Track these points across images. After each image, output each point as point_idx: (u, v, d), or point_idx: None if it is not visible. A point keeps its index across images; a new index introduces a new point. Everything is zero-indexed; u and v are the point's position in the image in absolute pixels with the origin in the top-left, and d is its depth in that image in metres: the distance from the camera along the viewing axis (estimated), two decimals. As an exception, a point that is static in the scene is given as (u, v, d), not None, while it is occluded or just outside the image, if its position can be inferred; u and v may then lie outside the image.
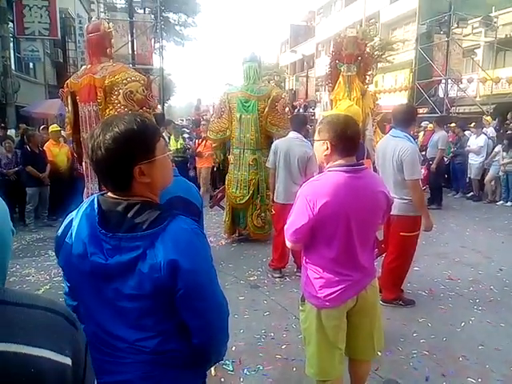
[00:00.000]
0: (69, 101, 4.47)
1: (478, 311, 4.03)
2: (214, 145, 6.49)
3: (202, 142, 9.05)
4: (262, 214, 5.97)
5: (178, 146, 8.82)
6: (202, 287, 1.22)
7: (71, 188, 7.06)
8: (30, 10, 12.05)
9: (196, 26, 24.36)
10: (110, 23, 4.66)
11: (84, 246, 1.21)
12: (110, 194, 1.28)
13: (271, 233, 6.12)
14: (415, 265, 4.43)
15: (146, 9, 17.85)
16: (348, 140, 2.12)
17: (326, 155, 2.13)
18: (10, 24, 11.93)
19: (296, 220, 2.08)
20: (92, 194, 4.44)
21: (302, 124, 4.98)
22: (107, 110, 3.93)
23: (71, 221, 1.29)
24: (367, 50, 6.38)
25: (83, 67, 4.67)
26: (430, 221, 3.84)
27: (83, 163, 4.64)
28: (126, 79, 3.93)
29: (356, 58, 6.14)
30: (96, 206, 1.24)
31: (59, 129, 7.67)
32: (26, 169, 6.90)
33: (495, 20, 16.91)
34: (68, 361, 0.69)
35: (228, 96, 6.06)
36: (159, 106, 13.50)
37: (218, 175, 9.58)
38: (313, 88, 30.28)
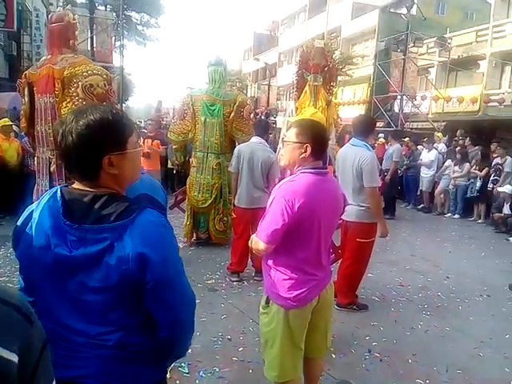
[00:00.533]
0: (26, 92, 4.25)
1: (426, 316, 4.21)
2: (174, 146, 6.39)
3: (145, 141, 8.42)
4: (225, 219, 5.96)
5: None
6: (171, 279, 1.22)
7: (20, 185, 6.74)
8: (-17, -2, 11.45)
9: (159, 27, 24.01)
10: (75, 15, 4.49)
11: (47, 238, 1.17)
12: (74, 185, 1.24)
13: (231, 237, 6.15)
14: (369, 271, 4.56)
15: (108, 6, 17.47)
16: (324, 144, 2.24)
17: (302, 158, 2.15)
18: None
19: (274, 221, 2.06)
20: (42, 191, 4.20)
21: (265, 130, 5.05)
22: (64, 103, 3.78)
23: (31, 212, 1.24)
24: (333, 61, 6.52)
25: (43, 58, 4.48)
26: (386, 227, 3.99)
27: (35, 158, 4.43)
28: (86, 71, 3.78)
29: (323, 69, 6.26)
30: (59, 197, 1.20)
31: (10, 123, 7.31)
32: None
33: (449, 41, 17.84)
34: (14, 357, 0.63)
35: (192, 98, 5.99)
36: (117, 106, 13.25)
37: (177, 177, 9.47)
38: (274, 96, 30.66)
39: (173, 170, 9.15)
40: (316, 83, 6.23)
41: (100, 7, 17.13)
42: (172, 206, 6.78)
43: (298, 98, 6.47)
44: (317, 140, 2.16)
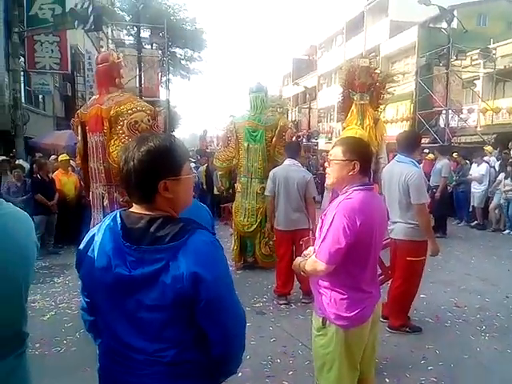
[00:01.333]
0: (79, 131, 4.50)
1: (485, 338, 4.00)
2: (220, 172, 6.60)
3: None
4: (270, 242, 5.98)
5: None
6: (222, 297, 1.28)
7: (78, 217, 7.14)
8: (41, 45, 12.47)
9: (202, 61, 25.01)
10: (120, 53, 4.75)
11: (108, 259, 1.26)
12: (132, 209, 1.35)
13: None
14: (421, 292, 4.41)
15: (154, 44, 18.51)
16: (370, 160, 2.30)
17: (351, 175, 2.15)
18: (22, 58, 12.34)
19: (336, 240, 2.04)
20: (97, 224, 4.38)
21: (297, 151, 5.04)
22: (112, 141, 3.95)
23: (93, 236, 1.35)
24: (379, 79, 6.50)
25: (93, 97, 4.75)
26: (437, 245, 3.86)
27: (90, 193, 4.63)
28: (131, 109, 3.95)
29: (369, 87, 6.27)
30: (119, 220, 1.31)
31: (68, 158, 7.83)
32: (35, 196, 7.01)
33: (494, 52, 17.30)
34: None
35: (235, 125, 6.21)
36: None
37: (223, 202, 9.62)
38: (315, 119, 30.78)
39: (218, 195, 9.35)
40: (363, 102, 6.23)
41: (147, 46, 18.16)
42: (223, 218, 6.89)
43: (345, 118, 6.48)
44: (364, 157, 2.19)
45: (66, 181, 7.68)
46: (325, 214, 2.21)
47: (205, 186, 10.00)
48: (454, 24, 17.50)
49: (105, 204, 4.27)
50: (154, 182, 1.27)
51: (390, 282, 4.14)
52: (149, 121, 3.95)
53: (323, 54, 36.09)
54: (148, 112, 3.99)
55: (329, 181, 2.28)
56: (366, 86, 6.24)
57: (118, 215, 1.33)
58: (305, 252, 2.35)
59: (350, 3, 30.60)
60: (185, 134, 67.34)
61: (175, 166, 1.31)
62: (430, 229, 3.95)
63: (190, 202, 1.42)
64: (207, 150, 14.49)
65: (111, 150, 3.97)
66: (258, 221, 5.97)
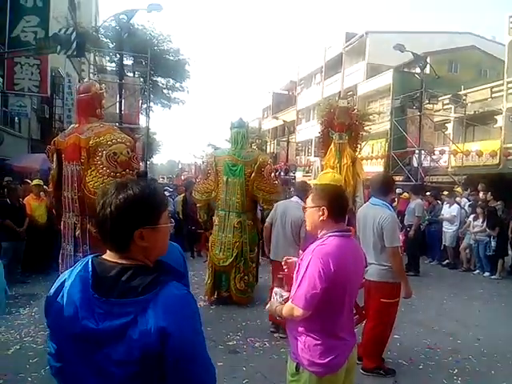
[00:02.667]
0: (54, 158, 4.41)
1: (457, 382, 4.00)
2: (198, 205, 6.55)
3: None
4: (245, 278, 5.97)
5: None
6: (191, 355, 1.21)
7: (47, 244, 6.92)
8: (21, 67, 12.30)
9: (184, 91, 25.23)
10: (103, 84, 4.74)
11: (75, 309, 1.21)
12: (105, 256, 1.30)
13: (252, 296, 6.11)
14: (395, 332, 4.41)
15: (136, 72, 18.65)
16: (342, 205, 2.29)
17: (321, 220, 2.21)
18: (0, 79, 12.18)
19: (312, 285, 2.04)
20: (67, 256, 4.20)
21: (305, 191, 4.86)
22: (89, 171, 3.89)
23: (63, 282, 1.29)
24: (358, 119, 6.70)
25: (71, 126, 4.67)
26: (410, 288, 3.90)
27: (62, 222, 4.47)
28: (111, 140, 3.90)
29: (347, 127, 6.43)
30: (90, 268, 1.26)
31: (42, 183, 7.65)
32: (3, 222, 6.76)
33: (464, 97, 18.16)
34: None
35: (215, 159, 6.24)
36: (141, 164, 13.74)
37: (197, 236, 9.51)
38: (293, 152, 31.30)
39: (195, 226, 9.24)
40: (341, 141, 6.37)
41: (129, 73, 18.28)
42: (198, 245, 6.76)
43: (324, 155, 6.60)
44: (333, 202, 2.21)
45: (37, 206, 7.47)
46: (301, 259, 2.22)
47: (181, 216, 9.89)
48: (427, 70, 18.36)
49: (76, 234, 4.16)
50: (131, 230, 1.24)
51: (364, 322, 4.14)
52: (128, 153, 3.91)
53: (302, 90, 37.12)
54: (127, 144, 3.95)
55: (307, 227, 2.37)
56: (344, 126, 6.41)
57: (90, 262, 1.28)
58: (282, 293, 2.33)
59: (330, 44, 31.88)
60: (163, 160, 67.18)
61: (153, 214, 1.29)
62: (403, 271, 4.00)
63: (165, 251, 1.38)
64: (182, 180, 14.54)
65: (87, 180, 3.90)
66: (234, 255, 5.91)
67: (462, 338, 5.14)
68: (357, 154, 6.75)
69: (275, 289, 2.38)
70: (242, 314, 5.53)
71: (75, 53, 10.45)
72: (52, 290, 1.31)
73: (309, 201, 2.30)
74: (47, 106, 16.64)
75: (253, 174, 5.99)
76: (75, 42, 10.00)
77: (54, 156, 4.42)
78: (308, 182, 5.12)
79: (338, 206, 2.25)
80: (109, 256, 1.29)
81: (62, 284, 1.29)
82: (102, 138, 3.92)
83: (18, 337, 4.67)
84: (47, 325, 1.34)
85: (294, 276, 2.23)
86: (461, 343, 5.00)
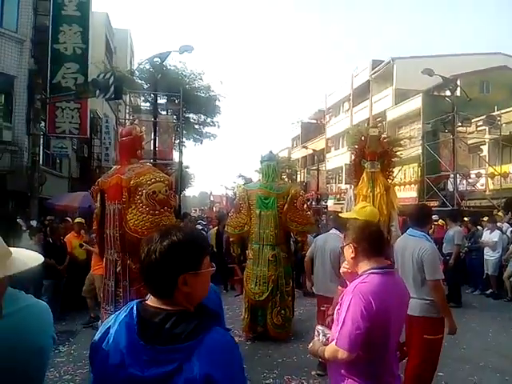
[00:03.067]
0: (98, 198, 4.63)
1: (510, 424, 3.76)
2: (231, 239, 6.61)
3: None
4: (282, 312, 5.90)
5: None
6: None
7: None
8: (62, 111, 13.10)
9: (214, 126, 25.90)
10: (143, 127, 4.99)
11: (122, 356, 1.23)
12: (149, 301, 1.34)
13: (289, 331, 6.03)
14: (439, 369, 4.21)
15: (169, 110, 19.38)
16: (373, 240, 2.21)
17: (352, 257, 2.20)
18: (42, 122, 12.90)
19: (355, 325, 1.98)
20: (108, 291, 4.34)
21: (343, 224, 4.93)
22: (130, 209, 4.04)
23: (108, 328, 1.33)
24: (390, 147, 6.60)
25: (114, 167, 4.92)
26: (454, 322, 3.75)
27: (104, 259, 4.68)
28: (150, 180, 4.07)
29: (379, 156, 6.37)
30: (135, 314, 1.29)
31: (83, 221, 7.93)
32: (45, 260, 7.01)
33: (498, 118, 17.73)
34: None
35: (248, 193, 6.32)
36: (176, 202, 14.10)
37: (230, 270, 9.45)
38: (323, 180, 31.17)
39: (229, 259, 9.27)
40: (373, 170, 6.29)
41: (162, 112, 19.03)
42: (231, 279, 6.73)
43: (356, 184, 6.54)
44: (361, 238, 2.17)
45: (77, 243, 7.72)
46: (341, 298, 2.18)
47: (215, 249, 9.96)
48: (458, 92, 18.14)
49: (117, 270, 4.29)
50: (174, 276, 1.28)
51: (405, 360, 3.98)
52: (166, 191, 4.07)
53: (331, 118, 37.32)
54: (166, 183, 4.13)
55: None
56: (376, 154, 6.32)
57: (135, 308, 1.32)
58: (325, 331, 2.26)
59: (357, 72, 32.14)
60: (195, 191, 68.36)
61: (196, 260, 1.32)
62: (446, 305, 3.85)
63: (206, 295, 1.40)
64: (214, 212, 14.73)
65: (128, 219, 4.05)
66: (270, 289, 5.87)
67: (511, 375, 4.85)
68: (390, 182, 6.65)
69: (318, 326, 2.32)
70: (278, 351, 5.43)
71: (113, 96, 11.01)
72: (97, 337, 1.35)
73: (344, 239, 2.32)
74: (86, 145, 17.47)
75: (286, 206, 6.00)
76: (113, 86, 10.55)
77: (98, 196, 4.64)
78: (340, 214, 5.06)
79: (369, 242, 2.18)
80: (152, 302, 1.32)
81: (107, 330, 1.32)
82: (141, 178, 4.09)
83: (57, 375, 4.75)
84: (91, 372, 1.37)
85: (335, 316, 2.20)
86: (509, 380, 4.72)
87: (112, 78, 10.65)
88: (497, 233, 9.47)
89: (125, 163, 4.50)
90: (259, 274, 5.94)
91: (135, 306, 1.32)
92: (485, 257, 9.49)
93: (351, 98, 32.67)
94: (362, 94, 30.86)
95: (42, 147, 13.15)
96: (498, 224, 10.07)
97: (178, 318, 1.26)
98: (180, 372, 1.18)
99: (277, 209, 6.03)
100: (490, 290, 9.47)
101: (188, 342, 1.21)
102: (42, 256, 0.73)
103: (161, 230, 1.37)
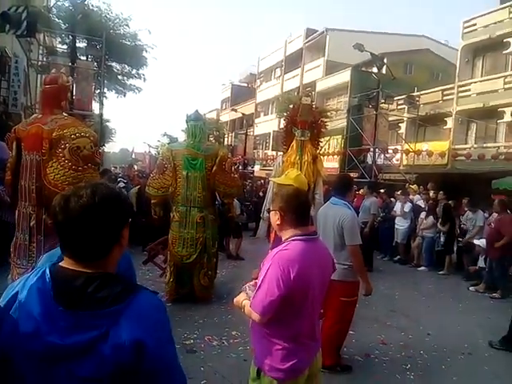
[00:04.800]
0: (14, 146, 4.25)
1: (410, 377, 4.13)
2: (153, 201, 6.25)
3: None
4: (209, 273, 5.86)
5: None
6: (167, 365, 1.16)
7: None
8: (-36, 45, 11.49)
9: (140, 78, 24.27)
10: (69, 77, 4.58)
11: (36, 324, 1.09)
12: (63, 264, 1.17)
13: (214, 292, 6.06)
14: (350, 328, 4.48)
15: (89, 56, 17.77)
16: (300, 209, 2.22)
17: (278, 224, 2.20)
18: None
19: (270, 292, 2.02)
20: (20, 245, 4.03)
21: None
22: (50, 162, 3.80)
23: (15, 294, 1.16)
24: (320, 117, 6.69)
25: (34, 115, 4.51)
26: (370, 285, 3.96)
27: (16, 211, 4.30)
28: (74, 134, 3.83)
29: (310, 125, 6.42)
30: (48, 278, 1.14)
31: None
32: None
33: (417, 99, 18.85)
34: None
35: (173, 153, 5.97)
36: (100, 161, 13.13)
37: (151, 231, 9.17)
38: (251, 146, 31.24)
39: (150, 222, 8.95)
40: (303, 138, 6.35)
41: (82, 57, 17.38)
42: (146, 260, 6.57)
43: (286, 151, 6.58)
44: (290, 206, 2.18)
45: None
46: (263, 263, 2.18)
47: (135, 209, 9.55)
48: (384, 70, 18.87)
49: (31, 224, 4.01)
50: (116, 232, 1.19)
51: (322, 321, 4.16)
52: (91, 147, 3.85)
53: (262, 83, 37.11)
54: (91, 139, 3.90)
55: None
56: (307, 123, 6.41)
57: (48, 272, 1.15)
58: (252, 288, 2.24)
59: (291, 38, 32.06)
60: (115, 148, 65.08)
61: (129, 215, 1.25)
62: (363, 268, 4.06)
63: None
64: (135, 170, 14.17)
65: (48, 172, 3.81)
66: (198, 251, 5.76)
67: (414, 333, 5.34)
68: (318, 151, 6.78)
69: (247, 284, 2.32)
70: (199, 312, 5.42)
71: (25, 33, 9.87)
72: (2, 303, 1.17)
73: (272, 203, 2.31)
74: (-9, 87, 15.57)
75: (214, 168, 5.84)
76: (25, 22, 9.42)
77: (14, 144, 4.25)
78: (273, 179, 4.98)
79: (295, 210, 2.19)
80: (68, 264, 1.16)
81: (14, 297, 1.16)
82: (65, 131, 3.83)
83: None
84: None
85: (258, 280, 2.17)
86: (412, 338, 5.18)
87: (25, 12, 9.48)
88: (408, 205, 10.19)
89: (47, 113, 4.14)
90: (186, 237, 5.78)
91: (47, 270, 1.16)
92: (396, 226, 10.23)
93: (283, 64, 32.67)
94: (294, 61, 30.96)
95: None
96: (410, 197, 10.84)
97: (101, 281, 1.13)
98: (106, 338, 1.08)
99: (205, 170, 5.84)
100: (398, 257, 10.27)
101: (115, 306, 1.09)
102: None
103: (87, 184, 1.20)
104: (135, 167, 21.60)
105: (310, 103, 6.62)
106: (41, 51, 19.56)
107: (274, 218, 2.23)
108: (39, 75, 16.64)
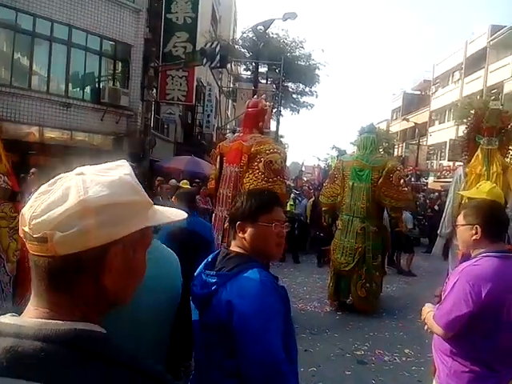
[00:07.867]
0: (217, 160, 5.15)
1: None
2: (324, 208, 6.68)
3: None
4: (367, 285, 5.92)
5: (288, 208, 9.17)
6: (253, 333, 1.30)
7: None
8: (172, 79, 13.97)
9: (312, 95, 25.44)
10: (267, 102, 5.35)
11: (195, 281, 1.53)
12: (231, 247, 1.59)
13: (376, 306, 6.07)
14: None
15: (269, 79, 19.50)
16: (499, 224, 2.10)
17: (474, 240, 2.05)
18: (154, 90, 13.87)
19: (457, 307, 1.93)
20: (217, 244, 4.95)
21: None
22: (247, 174, 4.49)
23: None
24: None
25: (235, 134, 5.42)
26: None
27: (214, 215, 5.21)
28: (269, 149, 4.49)
29: (498, 131, 5.90)
30: (215, 254, 1.58)
31: (188, 184, 8.59)
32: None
33: None
34: None
35: (343, 164, 6.35)
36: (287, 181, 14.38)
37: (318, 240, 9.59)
38: (424, 156, 29.39)
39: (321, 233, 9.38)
40: (490, 147, 5.84)
41: (262, 80, 19.22)
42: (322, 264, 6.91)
43: (468, 162, 6.16)
44: (489, 220, 2.04)
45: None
46: (448, 278, 2.13)
47: (308, 220, 10.09)
48: None
49: (225, 226, 4.71)
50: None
51: None
52: (281, 162, 4.48)
53: (437, 90, 34.61)
54: (282, 155, 4.56)
55: (460, 246, 2.22)
56: (495, 130, 5.84)
57: (220, 252, 1.60)
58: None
59: (472, 38, 29.19)
60: (288, 162, 68.75)
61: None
62: None
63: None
64: (304, 182, 14.93)
65: (245, 181, 4.52)
66: (356, 261, 5.89)
67: None
68: (508, 161, 6.09)
69: (428, 304, 2.26)
70: (369, 324, 5.50)
71: (218, 64, 11.47)
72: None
73: (460, 218, 2.14)
74: (190, 112, 18.45)
75: (380, 180, 5.89)
76: (219, 55, 10.98)
77: (218, 158, 5.15)
78: (461, 193, 4.69)
79: (495, 224, 2.06)
80: (232, 246, 1.56)
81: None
82: (262, 147, 4.53)
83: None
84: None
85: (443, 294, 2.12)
86: None
87: (218, 46, 11.05)
88: None
89: (247, 132, 4.95)
90: (346, 245, 5.99)
91: (220, 251, 1.60)
92: None
93: (463, 66, 29.87)
94: (476, 62, 28.00)
95: (153, 113, 14.24)
96: None
97: (235, 255, 1.48)
98: (216, 295, 1.39)
99: (371, 182, 5.94)
100: None
101: (227, 272, 1.42)
102: (184, 212, 0.82)
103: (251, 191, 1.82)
104: (304, 178, 22.58)
105: (498, 107, 6.04)
106: (229, 78, 22.27)
107: (468, 234, 2.07)
108: (227, 99, 18.93)
